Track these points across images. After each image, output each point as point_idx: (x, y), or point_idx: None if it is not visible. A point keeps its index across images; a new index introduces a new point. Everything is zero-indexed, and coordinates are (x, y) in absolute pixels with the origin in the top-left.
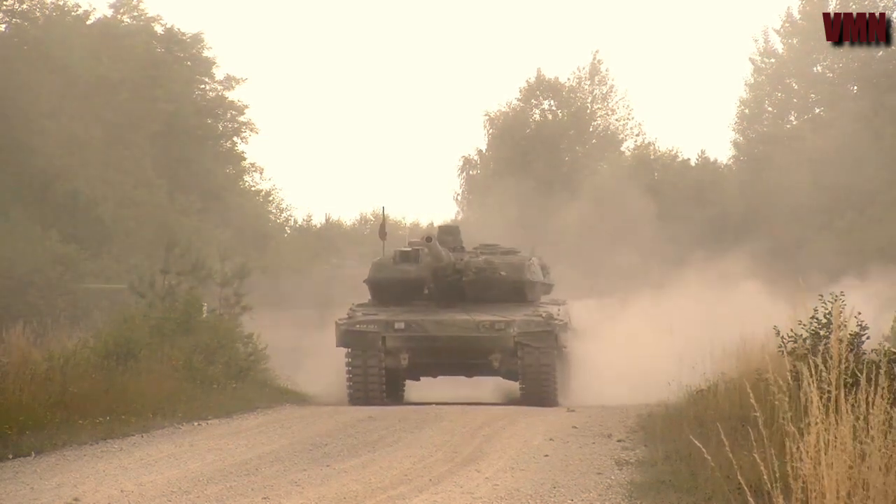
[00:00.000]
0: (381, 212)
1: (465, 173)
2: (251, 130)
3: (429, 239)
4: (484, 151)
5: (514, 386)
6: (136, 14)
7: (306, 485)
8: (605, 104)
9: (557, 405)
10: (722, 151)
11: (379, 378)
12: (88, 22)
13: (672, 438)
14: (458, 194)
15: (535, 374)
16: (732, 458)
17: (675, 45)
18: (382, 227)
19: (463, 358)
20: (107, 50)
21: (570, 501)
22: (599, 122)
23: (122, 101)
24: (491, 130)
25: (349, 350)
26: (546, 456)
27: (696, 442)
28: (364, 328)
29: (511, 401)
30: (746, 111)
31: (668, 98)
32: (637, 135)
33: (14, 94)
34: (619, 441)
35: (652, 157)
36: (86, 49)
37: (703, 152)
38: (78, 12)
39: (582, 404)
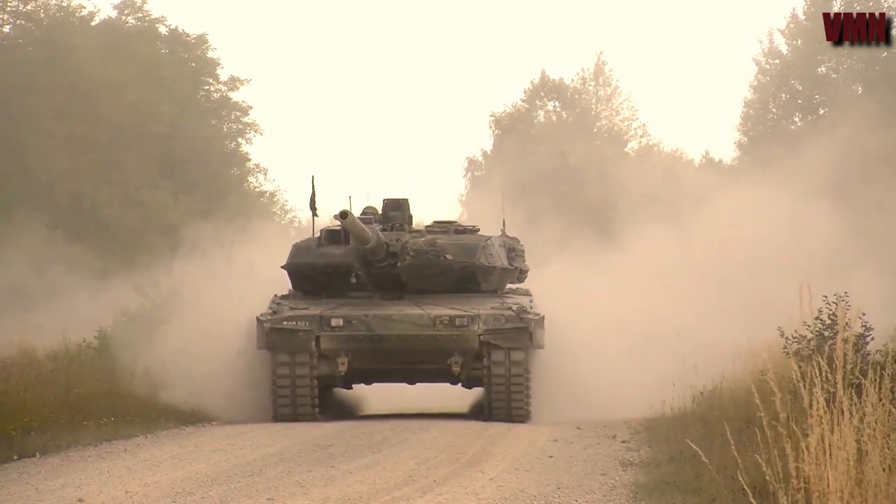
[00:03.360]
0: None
1: (469, 174)
2: (255, 131)
3: (343, 215)
4: (489, 152)
5: (471, 394)
6: (140, 15)
7: (311, 486)
8: (610, 105)
9: (529, 420)
10: (727, 152)
11: (311, 388)
12: (93, 23)
13: (676, 439)
14: (463, 195)
15: (504, 382)
16: (738, 458)
17: (679, 46)
18: (312, 199)
19: (414, 362)
20: (111, 51)
21: (574, 502)
22: (604, 122)
23: (126, 102)
24: (496, 131)
25: (273, 354)
26: (550, 457)
27: (694, 446)
28: (294, 326)
29: (474, 414)
30: (751, 112)
31: (672, 99)
32: (642, 136)
33: (19, 96)
34: (623, 442)
35: (656, 157)
36: (90, 50)
37: (707, 153)
38: (82, 13)
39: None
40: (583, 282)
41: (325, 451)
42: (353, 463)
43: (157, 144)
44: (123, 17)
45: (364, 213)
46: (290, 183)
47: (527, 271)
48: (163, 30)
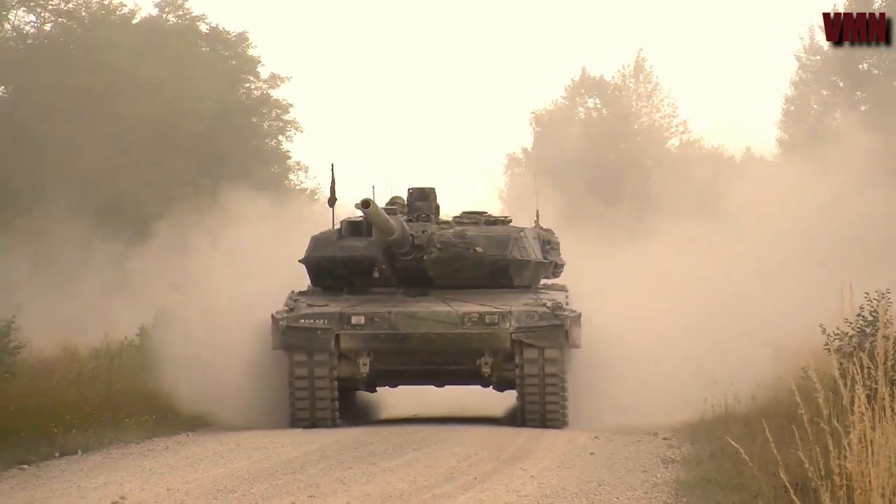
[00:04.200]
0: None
1: (510, 171)
2: (296, 129)
3: (365, 204)
4: (529, 150)
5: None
6: (181, 13)
7: (352, 483)
8: (650, 102)
9: (566, 425)
10: (768, 148)
11: (330, 391)
12: (134, 21)
13: (718, 437)
14: (504, 192)
15: (538, 384)
16: (778, 456)
17: (719, 43)
18: (332, 189)
19: (441, 362)
20: (151, 49)
21: (615, 499)
22: (644, 119)
23: (166, 100)
24: (536, 128)
25: (291, 355)
26: (591, 454)
27: (734, 443)
28: (311, 324)
29: (508, 418)
30: (792, 108)
31: (713, 95)
32: (682, 132)
33: (59, 94)
34: (664, 439)
35: (697, 153)
36: (131, 48)
37: (748, 149)
38: (123, 11)
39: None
40: (621, 277)
41: (366, 449)
42: (394, 460)
43: (197, 143)
44: (164, 15)
45: (390, 203)
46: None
47: (562, 265)
48: (203, 27)
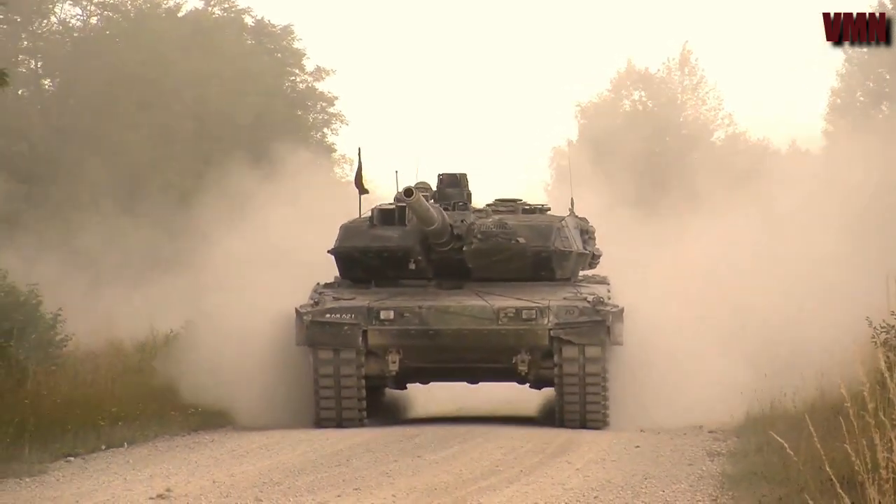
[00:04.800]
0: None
1: (555, 164)
2: (341, 122)
3: (408, 192)
4: (574, 142)
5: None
6: (226, 6)
7: (397, 476)
8: (696, 94)
9: (607, 426)
10: (814, 141)
11: (357, 389)
12: (179, 14)
13: (764, 431)
14: (549, 185)
15: (578, 383)
16: (822, 450)
17: (765, 35)
18: (359, 175)
19: (474, 360)
20: (197, 42)
21: (661, 492)
22: (690, 112)
23: (212, 93)
24: (582, 121)
25: (314, 351)
26: (637, 447)
27: (779, 438)
28: (338, 319)
29: (545, 417)
30: (838, 101)
31: (758, 88)
32: (728, 125)
33: (106, 88)
34: (710, 432)
35: (742, 146)
36: (177, 42)
37: (794, 142)
38: (169, 4)
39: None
40: (663, 270)
41: (411, 442)
42: (439, 453)
43: (244, 135)
44: (210, 9)
45: (416, 188)
46: (374, 172)
47: (599, 256)
48: (249, 21)
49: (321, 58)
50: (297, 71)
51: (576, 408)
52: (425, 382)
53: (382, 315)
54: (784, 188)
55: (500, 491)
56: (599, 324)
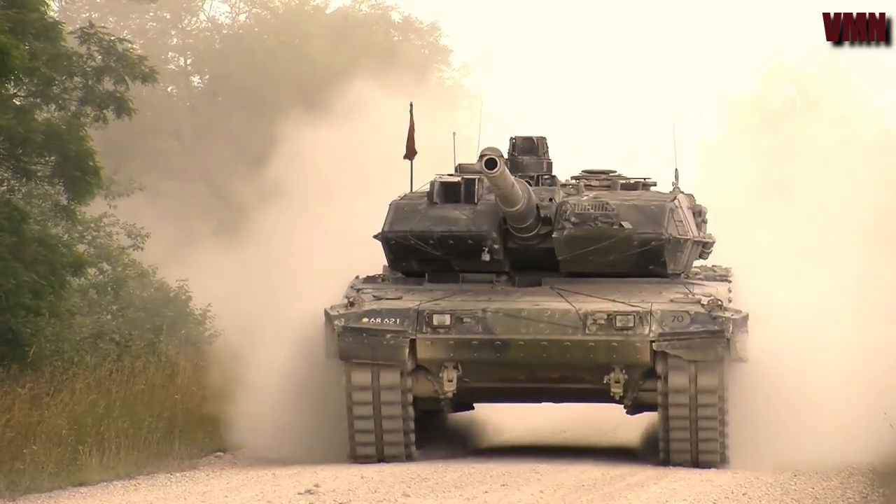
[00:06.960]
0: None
1: (705, 160)
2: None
3: (490, 164)
4: (722, 137)
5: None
6: (374, 2)
7: (545, 472)
8: (844, 90)
9: (726, 464)
10: None
11: (404, 417)
12: (327, 11)
13: None
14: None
15: (689, 411)
16: None
17: None
18: (410, 137)
19: (553, 379)
20: (344, 39)
21: (811, 489)
22: (838, 107)
23: (356, 90)
24: (730, 116)
25: (350, 367)
26: None
27: None
28: (378, 325)
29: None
30: None
31: None
32: (877, 121)
33: (255, 84)
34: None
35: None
36: (325, 38)
37: None
38: (317, 2)
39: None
40: (797, 267)
41: (560, 437)
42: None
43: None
44: (357, 5)
45: (481, 157)
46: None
47: (712, 244)
48: (396, 17)
49: (468, 54)
50: (443, 67)
51: (686, 445)
52: (496, 402)
53: (436, 320)
54: None
55: (647, 486)
56: (717, 335)
